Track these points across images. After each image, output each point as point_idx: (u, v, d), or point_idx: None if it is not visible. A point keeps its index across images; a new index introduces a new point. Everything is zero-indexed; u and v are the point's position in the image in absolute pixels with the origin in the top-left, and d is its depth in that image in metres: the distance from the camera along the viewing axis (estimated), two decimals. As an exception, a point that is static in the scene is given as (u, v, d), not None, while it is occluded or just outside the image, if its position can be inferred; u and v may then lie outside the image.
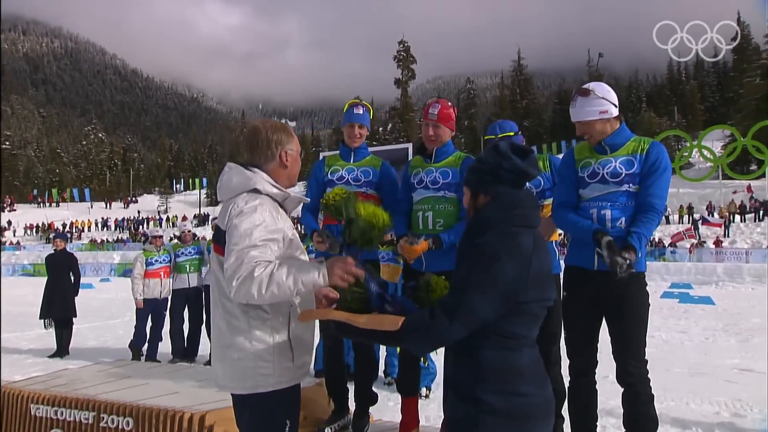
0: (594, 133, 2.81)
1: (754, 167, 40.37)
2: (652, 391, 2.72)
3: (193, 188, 69.38)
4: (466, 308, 1.66)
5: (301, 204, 2.33)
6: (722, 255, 26.84)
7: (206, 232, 40.39)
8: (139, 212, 61.25)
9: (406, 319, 1.74)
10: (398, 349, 5.17)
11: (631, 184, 2.75)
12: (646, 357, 2.72)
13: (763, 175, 35.00)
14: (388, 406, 4.64)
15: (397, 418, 3.23)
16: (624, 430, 2.80)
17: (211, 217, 49.23)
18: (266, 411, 2.01)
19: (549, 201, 3.25)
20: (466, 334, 1.68)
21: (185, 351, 7.07)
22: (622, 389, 2.75)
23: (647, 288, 2.77)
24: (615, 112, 2.80)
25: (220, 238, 2.02)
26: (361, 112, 3.54)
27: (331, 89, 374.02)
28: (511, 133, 3.27)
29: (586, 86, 2.85)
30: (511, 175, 1.80)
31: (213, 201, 69.15)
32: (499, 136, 3.28)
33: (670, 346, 7.79)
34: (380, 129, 69.09)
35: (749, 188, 37.26)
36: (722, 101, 61.33)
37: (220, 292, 2.03)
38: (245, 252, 1.86)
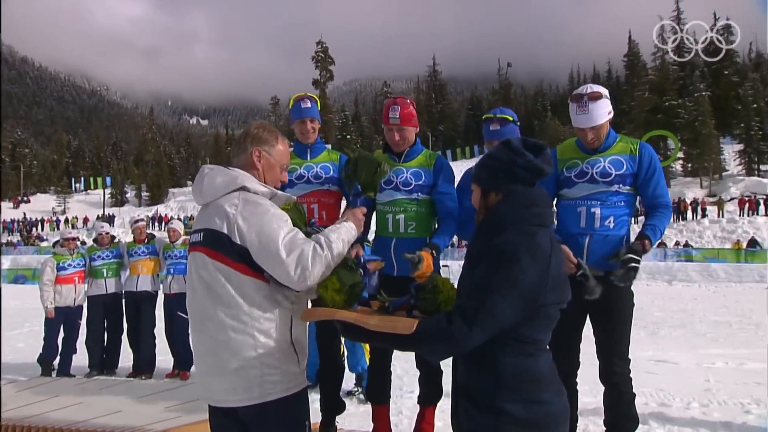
0: (602, 135, 2.81)
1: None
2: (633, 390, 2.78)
3: (96, 187, 64.81)
4: (487, 312, 1.57)
5: None
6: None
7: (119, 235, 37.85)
8: (25, 214, 55.99)
9: (421, 323, 1.63)
10: (366, 356, 5.07)
11: (621, 185, 2.77)
12: (629, 357, 2.77)
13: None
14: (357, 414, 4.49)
15: (367, 426, 3.15)
16: (605, 428, 2.86)
17: (160, 218, 46.40)
18: (279, 419, 1.88)
19: None
20: (485, 340, 1.60)
21: (103, 363, 6.52)
22: (605, 388, 2.79)
23: (632, 288, 2.81)
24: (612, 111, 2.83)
25: (215, 242, 1.87)
26: (309, 105, 3.41)
27: (245, 88, 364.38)
28: (510, 118, 3.08)
29: (592, 90, 2.79)
30: (525, 172, 1.72)
31: (118, 201, 65.00)
32: (497, 116, 3.07)
33: (589, 341, 8.24)
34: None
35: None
36: (617, 112, 65.56)
37: (214, 301, 1.86)
38: (292, 240, 1.84)
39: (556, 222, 2.93)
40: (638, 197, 2.93)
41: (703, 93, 46.92)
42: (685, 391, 5.11)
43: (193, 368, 2.10)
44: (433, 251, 2.68)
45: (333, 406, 3.14)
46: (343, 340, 3.84)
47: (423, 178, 3.08)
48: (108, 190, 63.33)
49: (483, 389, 1.64)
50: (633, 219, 2.97)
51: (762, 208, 36.14)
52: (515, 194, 1.72)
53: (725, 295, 17.95)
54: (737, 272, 23.69)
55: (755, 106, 48.00)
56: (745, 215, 35.56)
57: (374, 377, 3.14)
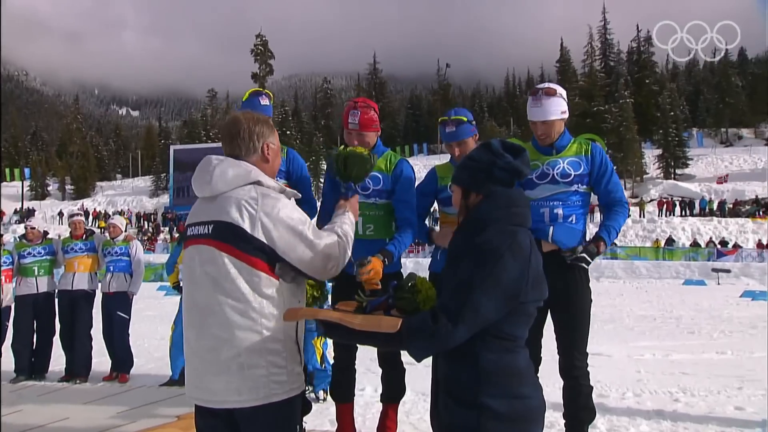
0: (553, 132, 2.89)
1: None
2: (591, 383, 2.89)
3: (12, 179, 60.44)
4: (471, 310, 1.60)
5: None
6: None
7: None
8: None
9: (405, 321, 1.66)
10: (318, 355, 5.03)
11: (580, 185, 2.89)
12: (587, 351, 2.89)
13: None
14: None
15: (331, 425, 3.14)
16: (564, 421, 2.96)
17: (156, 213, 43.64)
18: (280, 421, 1.84)
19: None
20: (468, 337, 1.64)
21: (32, 367, 6.12)
22: (565, 382, 2.89)
23: (590, 284, 2.94)
24: (568, 112, 2.92)
25: (229, 235, 1.82)
26: (267, 103, 3.35)
27: (178, 79, 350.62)
28: (464, 118, 3.10)
29: (548, 86, 2.90)
30: (504, 173, 1.77)
31: (38, 194, 60.94)
32: (452, 117, 3.10)
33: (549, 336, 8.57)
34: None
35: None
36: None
37: (221, 296, 1.81)
38: (318, 232, 1.93)
39: None
40: (593, 195, 3.05)
41: (627, 100, 49.77)
42: (620, 382, 5.43)
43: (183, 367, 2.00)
44: (386, 259, 2.67)
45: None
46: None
47: (381, 183, 3.05)
48: (27, 182, 59.21)
49: (465, 385, 1.67)
50: (589, 216, 3.12)
51: (678, 209, 38.81)
52: (495, 195, 1.77)
53: (647, 290, 19.18)
54: (657, 269, 25.37)
55: (672, 114, 51.41)
56: (664, 216, 38.07)
57: (338, 375, 3.13)
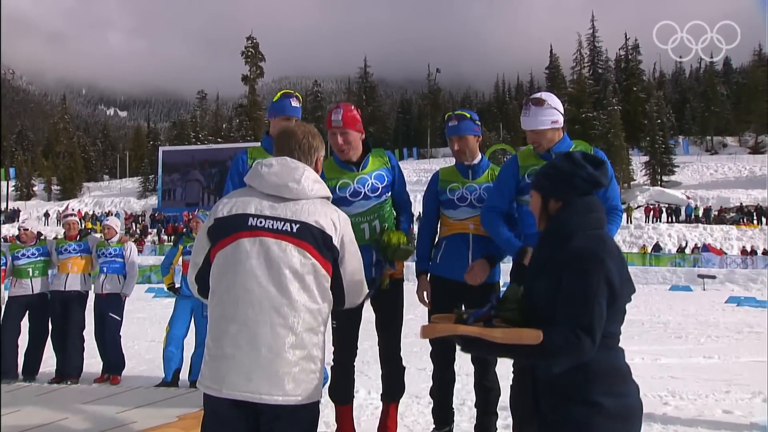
0: (544, 141, 2.93)
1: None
2: None
3: (-3, 179, 59.65)
4: (599, 319, 1.68)
5: None
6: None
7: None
8: None
9: (548, 334, 1.69)
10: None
11: None
12: None
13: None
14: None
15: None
16: None
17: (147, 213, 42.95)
18: (313, 421, 1.94)
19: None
20: None
21: (24, 368, 6.04)
22: None
23: None
24: (562, 121, 2.94)
25: (314, 237, 1.92)
26: (297, 105, 3.27)
27: (167, 80, 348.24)
28: (467, 114, 3.22)
29: (539, 95, 2.93)
30: (585, 183, 1.86)
31: (24, 195, 60.18)
32: (456, 112, 3.26)
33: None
34: (224, 126, 66.29)
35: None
36: (538, 121, 69.52)
37: (296, 293, 1.88)
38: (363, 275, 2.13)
39: (518, 224, 3.10)
40: None
41: (615, 107, 50.34)
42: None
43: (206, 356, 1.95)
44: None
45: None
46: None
47: (386, 178, 3.18)
48: (12, 182, 58.45)
49: (574, 384, 1.73)
50: None
51: (664, 215, 39.26)
52: (576, 202, 1.86)
53: (635, 296, 19.27)
54: (644, 274, 25.58)
55: (659, 121, 52.07)
56: (650, 222, 38.49)
57: (338, 377, 3.16)
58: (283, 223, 1.90)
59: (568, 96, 54.40)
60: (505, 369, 3.17)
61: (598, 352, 1.71)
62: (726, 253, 30.85)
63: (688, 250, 31.97)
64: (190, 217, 6.61)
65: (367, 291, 2.16)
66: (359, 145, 3.11)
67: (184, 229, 6.91)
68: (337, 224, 1.99)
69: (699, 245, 32.56)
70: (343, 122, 3.00)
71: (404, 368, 3.33)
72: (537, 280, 1.84)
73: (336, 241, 1.97)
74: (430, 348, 3.26)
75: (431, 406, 3.39)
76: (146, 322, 10.90)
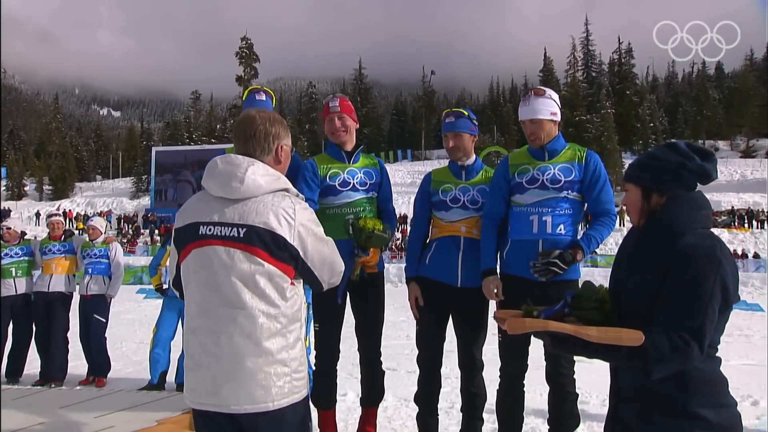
0: (542, 133, 2.87)
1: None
2: (577, 391, 2.89)
3: (-11, 178, 59.21)
4: (709, 324, 1.55)
5: None
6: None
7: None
8: None
9: (651, 336, 1.55)
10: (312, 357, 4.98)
11: (570, 191, 2.84)
12: (574, 358, 2.87)
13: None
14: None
15: None
16: (549, 427, 2.97)
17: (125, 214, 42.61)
18: (300, 422, 1.86)
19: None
20: None
21: (7, 370, 5.96)
22: (550, 388, 2.89)
23: None
24: (560, 117, 2.91)
25: (265, 241, 1.79)
26: (263, 98, 3.39)
27: (162, 80, 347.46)
28: (465, 112, 3.17)
29: (539, 87, 2.93)
30: (693, 176, 1.68)
31: (15, 194, 59.74)
32: (453, 109, 3.20)
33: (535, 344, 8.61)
34: (218, 126, 66.08)
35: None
36: (532, 124, 69.74)
37: (251, 301, 1.77)
38: (329, 244, 1.98)
39: (509, 228, 3.03)
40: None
41: (609, 110, 50.56)
42: (600, 388, 5.43)
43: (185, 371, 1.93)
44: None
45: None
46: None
47: (374, 176, 3.22)
48: (4, 182, 57.99)
49: (671, 394, 1.61)
50: (583, 224, 3.08)
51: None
52: (684, 197, 1.69)
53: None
54: (636, 277, 25.64)
55: (652, 125, 52.40)
56: (643, 225, 38.60)
57: (320, 381, 3.11)
58: (230, 228, 1.82)
59: (562, 99, 54.13)
60: (493, 373, 3.15)
61: (699, 362, 1.59)
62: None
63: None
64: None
65: (343, 267, 2.07)
66: (354, 134, 3.21)
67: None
68: (290, 218, 1.83)
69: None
70: (341, 108, 3.14)
71: (384, 372, 3.29)
72: (632, 277, 1.70)
73: (291, 239, 1.82)
74: (417, 352, 3.22)
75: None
76: (135, 323, 10.81)
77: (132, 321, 11.17)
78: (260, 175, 1.85)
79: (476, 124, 3.22)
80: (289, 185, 1.94)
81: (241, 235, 1.81)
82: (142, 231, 42.72)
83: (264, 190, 1.85)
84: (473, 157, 3.21)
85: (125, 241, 37.97)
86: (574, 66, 62.57)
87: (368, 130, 70.30)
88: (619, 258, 1.83)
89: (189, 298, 1.89)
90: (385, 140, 72.42)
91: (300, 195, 1.97)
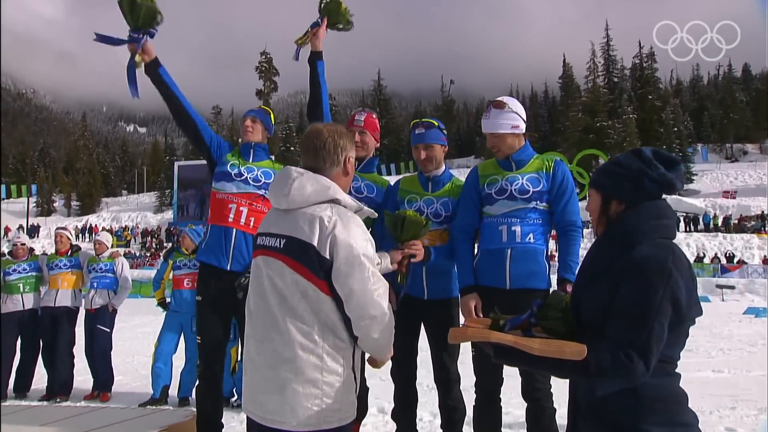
0: (504, 146, 2.84)
1: (577, 190, 46.12)
2: (554, 405, 2.80)
3: (19, 196, 60.90)
4: (656, 340, 1.47)
5: None
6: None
7: (37, 245, 35.56)
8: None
9: (592, 352, 1.48)
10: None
11: (538, 201, 2.82)
12: None
13: (584, 198, 40.12)
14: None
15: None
16: None
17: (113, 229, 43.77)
18: None
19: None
20: None
21: (15, 385, 6.03)
22: (527, 404, 2.81)
23: None
24: (524, 128, 2.86)
25: (300, 253, 1.78)
26: (257, 109, 3.64)
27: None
28: (435, 122, 3.13)
29: (500, 99, 2.86)
30: (655, 185, 1.61)
31: (44, 211, 61.32)
32: (423, 120, 3.14)
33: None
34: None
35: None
36: (552, 131, 69.17)
37: (287, 314, 1.77)
38: (373, 276, 1.80)
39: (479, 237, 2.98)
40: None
41: (631, 116, 49.79)
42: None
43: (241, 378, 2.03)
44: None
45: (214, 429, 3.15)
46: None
47: (375, 191, 3.22)
48: (33, 199, 59.57)
49: (622, 411, 1.53)
50: (551, 234, 3.01)
51: (682, 224, 38.49)
52: (644, 206, 1.62)
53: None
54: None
55: (676, 129, 51.36)
56: (669, 232, 37.72)
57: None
58: (274, 239, 1.87)
59: (582, 105, 53.99)
60: (468, 383, 3.05)
61: (654, 378, 1.50)
62: (746, 263, 30.09)
63: (706, 260, 31.25)
64: (178, 231, 6.60)
65: (380, 313, 1.81)
66: (371, 150, 3.25)
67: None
68: (325, 226, 1.78)
69: (719, 255, 31.84)
70: (365, 124, 3.18)
71: (367, 388, 3.21)
72: (588, 288, 1.63)
73: (323, 250, 1.76)
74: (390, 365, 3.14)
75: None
76: (151, 336, 10.83)
77: (148, 334, 11.25)
78: (308, 186, 1.85)
79: (446, 134, 3.18)
80: (342, 196, 1.90)
81: (281, 246, 1.83)
82: (165, 244, 43.40)
83: (311, 201, 1.85)
84: (443, 167, 3.17)
85: (149, 254, 38.57)
86: (595, 72, 61.82)
87: (387, 140, 70.52)
88: (581, 268, 1.76)
89: (246, 303, 1.96)
90: (404, 150, 72.43)
91: (363, 208, 1.94)
